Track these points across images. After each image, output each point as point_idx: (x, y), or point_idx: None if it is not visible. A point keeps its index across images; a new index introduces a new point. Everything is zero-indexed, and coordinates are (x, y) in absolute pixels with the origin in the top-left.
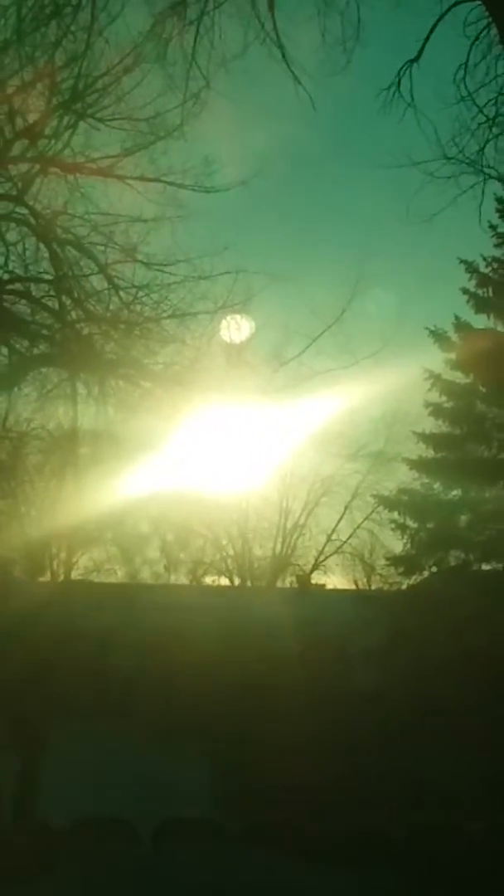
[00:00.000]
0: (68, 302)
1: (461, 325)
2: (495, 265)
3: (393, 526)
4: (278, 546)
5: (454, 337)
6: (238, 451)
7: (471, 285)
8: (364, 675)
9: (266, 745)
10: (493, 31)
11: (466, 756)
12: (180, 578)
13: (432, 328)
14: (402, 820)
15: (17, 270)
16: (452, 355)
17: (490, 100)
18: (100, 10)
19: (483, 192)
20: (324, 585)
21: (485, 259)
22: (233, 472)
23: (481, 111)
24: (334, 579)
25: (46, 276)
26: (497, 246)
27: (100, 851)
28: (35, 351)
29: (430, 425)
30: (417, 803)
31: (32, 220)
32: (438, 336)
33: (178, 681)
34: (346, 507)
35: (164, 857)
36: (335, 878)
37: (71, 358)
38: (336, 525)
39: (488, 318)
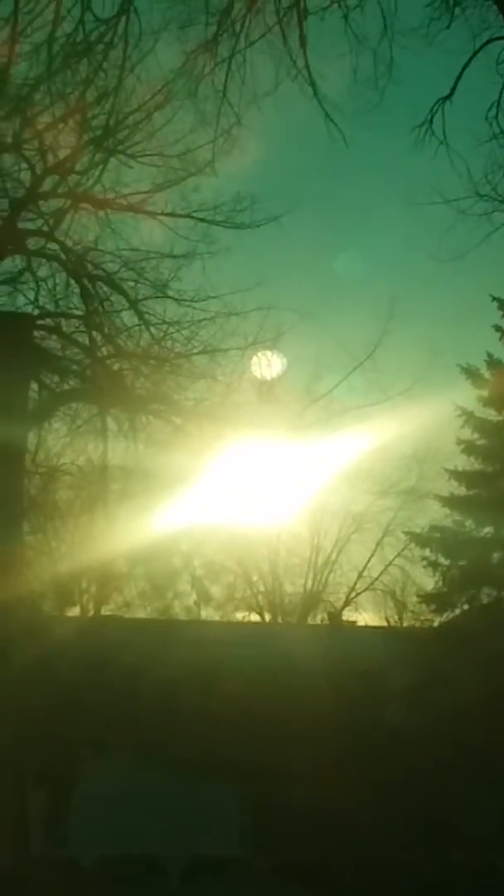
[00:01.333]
0: (99, 337)
1: (493, 363)
2: None
3: (424, 563)
4: (309, 582)
5: (486, 374)
6: (269, 487)
7: (503, 322)
8: (395, 713)
9: (296, 783)
10: None
11: (497, 793)
12: (211, 614)
13: (464, 365)
14: (433, 858)
15: (47, 306)
16: (485, 392)
17: None
18: (132, 47)
19: None
20: (355, 622)
21: None
22: (264, 507)
23: None
24: (365, 616)
25: (77, 312)
26: None
27: (128, 890)
28: (65, 386)
29: (462, 462)
30: (449, 842)
31: (63, 256)
32: (470, 373)
33: (208, 717)
34: (377, 544)
35: (193, 894)
36: None
37: (101, 393)
38: (367, 562)
39: None
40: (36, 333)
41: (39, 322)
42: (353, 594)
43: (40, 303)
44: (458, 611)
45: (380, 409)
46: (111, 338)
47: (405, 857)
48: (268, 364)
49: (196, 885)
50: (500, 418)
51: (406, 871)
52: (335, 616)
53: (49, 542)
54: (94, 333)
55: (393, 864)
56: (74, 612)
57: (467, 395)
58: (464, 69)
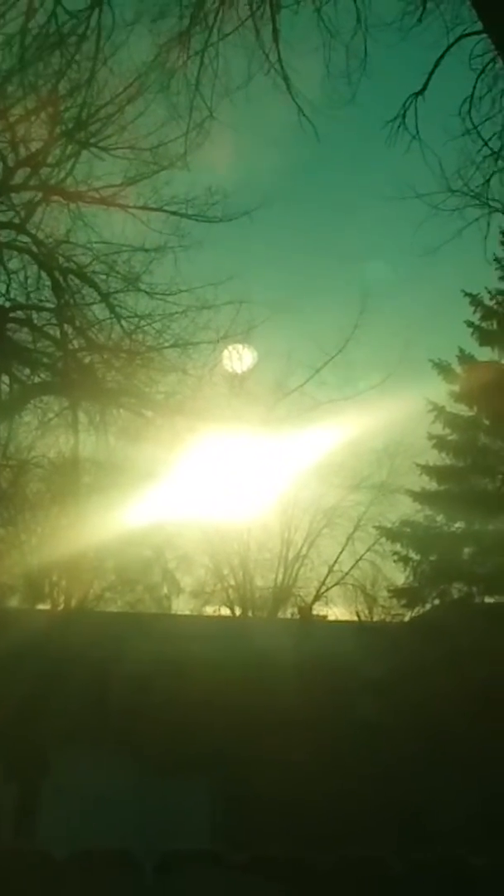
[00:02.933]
0: (70, 330)
1: (465, 358)
2: (500, 298)
3: (395, 558)
4: (280, 576)
5: (458, 369)
6: (240, 481)
7: (475, 318)
8: (365, 707)
9: (267, 776)
10: (499, 63)
11: (468, 788)
12: (181, 608)
13: (436, 360)
14: (403, 852)
15: (18, 298)
16: (456, 387)
17: (495, 133)
18: (104, 39)
19: (488, 225)
20: (325, 617)
21: (489, 292)
22: (234, 501)
23: (486, 144)
24: (336, 611)
25: (48, 305)
26: (502, 279)
27: (102, 883)
28: (36, 379)
29: (434, 457)
30: (419, 835)
31: (35, 249)
32: (442, 368)
33: (178, 711)
34: (348, 539)
35: (166, 889)
36: None
37: (72, 386)
38: (338, 556)
39: (492, 350)
40: (7, 326)
41: (11, 315)
42: (324, 588)
43: (11, 295)
44: (428, 605)
45: (351, 404)
46: (82, 331)
47: (376, 850)
48: (239, 358)
49: (170, 879)
50: (472, 414)
51: (377, 865)
52: (305, 610)
53: (19, 535)
54: (66, 326)
55: (364, 858)
56: (45, 605)
57: (439, 391)
58: (437, 64)
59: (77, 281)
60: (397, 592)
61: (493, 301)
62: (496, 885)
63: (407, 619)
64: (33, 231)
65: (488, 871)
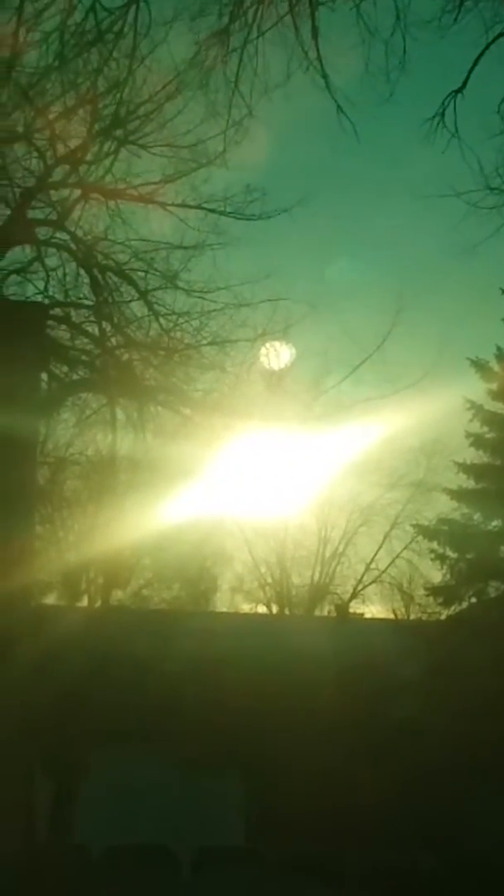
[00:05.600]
0: (108, 328)
1: (502, 356)
2: None
3: (432, 556)
4: (316, 574)
5: (496, 367)
6: (277, 479)
7: None
8: (402, 705)
9: (302, 774)
10: None
11: None
12: (218, 605)
13: (474, 358)
14: (442, 853)
15: (57, 296)
16: (494, 386)
17: None
18: (142, 37)
19: None
20: (362, 614)
21: None
22: (272, 499)
23: None
24: (373, 609)
25: (87, 302)
26: None
27: (139, 878)
28: (74, 376)
29: (471, 455)
30: (457, 836)
31: (73, 246)
32: (480, 366)
33: (215, 708)
34: (385, 537)
35: (202, 884)
36: None
37: (110, 384)
38: (375, 554)
39: None
40: (46, 323)
41: (50, 312)
42: (361, 586)
43: (50, 293)
44: (465, 604)
45: (388, 402)
46: (120, 328)
47: (412, 850)
48: (277, 355)
49: (206, 876)
50: None
51: (413, 866)
52: (342, 608)
53: (57, 532)
54: (104, 324)
55: (400, 858)
56: (82, 602)
57: (476, 389)
58: (476, 62)
59: (115, 278)
60: (434, 590)
61: None
62: None
63: (444, 617)
64: (72, 228)
65: None
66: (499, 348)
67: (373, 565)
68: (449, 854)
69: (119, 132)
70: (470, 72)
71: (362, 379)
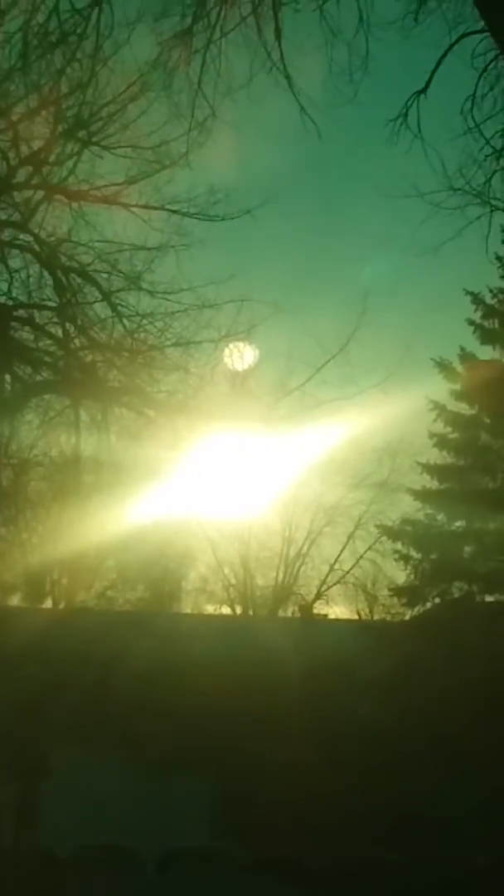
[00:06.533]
0: (72, 329)
1: (466, 356)
2: (501, 296)
3: (396, 556)
4: (280, 575)
5: (459, 368)
6: (241, 480)
7: (476, 316)
8: (367, 706)
9: (268, 775)
10: (501, 62)
11: (470, 787)
12: (182, 607)
13: (437, 359)
14: (406, 851)
15: (20, 297)
16: (457, 386)
17: (497, 131)
18: (105, 38)
19: (490, 224)
20: (326, 615)
21: (491, 290)
22: (236, 500)
23: (488, 143)
24: (336, 609)
25: (50, 304)
26: (503, 277)
27: (104, 879)
28: (38, 378)
29: (435, 456)
30: (421, 835)
31: (36, 247)
32: (443, 367)
33: (180, 709)
34: (348, 537)
35: (167, 885)
36: None
37: (74, 385)
38: (339, 555)
39: (494, 349)
40: (9, 325)
41: (13, 313)
42: (325, 587)
43: (13, 294)
44: (429, 604)
45: (352, 403)
46: (84, 329)
47: (377, 849)
48: (241, 356)
49: (171, 877)
50: (473, 412)
51: (378, 864)
52: (306, 609)
53: (20, 533)
54: (68, 325)
55: (365, 857)
56: (46, 604)
57: (440, 389)
58: (439, 63)
59: (79, 280)
60: (398, 591)
61: (495, 299)
62: (498, 884)
63: (408, 617)
64: (35, 230)
65: (490, 870)
66: (462, 349)
67: (337, 566)
68: (412, 852)
69: (82, 133)
70: (433, 73)
71: (326, 380)
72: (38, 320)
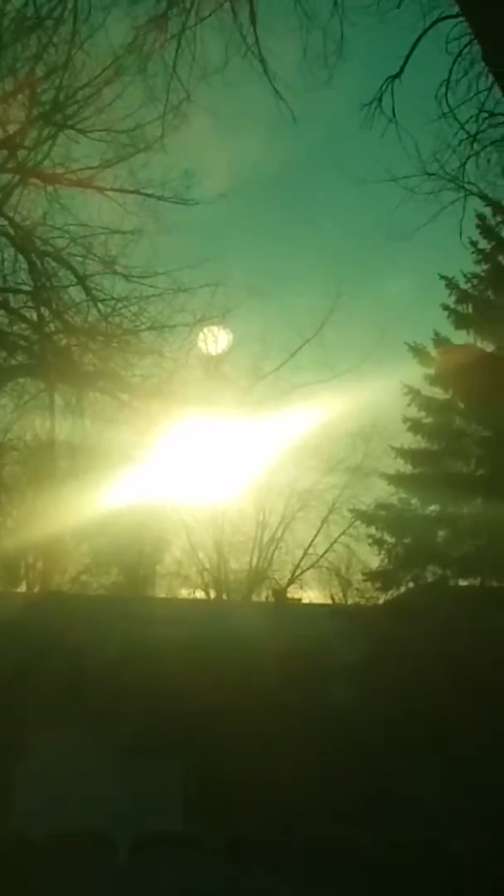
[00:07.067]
0: (46, 313)
1: (440, 341)
2: (475, 281)
3: (370, 541)
4: (254, 559)
5: (433, 352)
6: (215, 464)
7: (451, 301)
8: (340, 689)
9: (243, 759)
10: (476, 47)
11: (444, 769)
12: (156, 591)
13: (412, 343)
14: (379, 834)
15: None
16: (431, 371)
17: (471, 116)
18: (81, 22)
19: (464, 209)
20: (300, 600)
21: (465, 275)
22: (210, 484)
23: (462, 127)
24: (311, 594)
25: (25, 287)
26: (477, 262)
27: (77, 865)
28: (12, 362)
29: (409, 440)
30: (397, 818)
31: (11, 231)
32: (418, 351)
33: (154, 693)
34: (322, 522)
35: (141, 870)
36: (313, 893)
37: (48, 369)
38: (313, 539)
39: (468, 333)
40: None
41: None
42: (299, 572)
43: None
44: (403, 588)
45: (327, 387)
46: (59, 313)
47: (352, 833)
48: (215, 341)
49: (144, 860)
50: (447, 397)
51: (354, 848)
52: (280, 593)
53: None
54: (42, 309)
55: (340, 840)
56: (20, 588)
57: (414, 374)
58: (413, 47)
59: (54, 264)
60: (371, 575)
61: (469, 284)
62: (473, 867)
63: (381, 601)
64: (10, 213)
65: (466, 853)
66: (437, 333)
67: (310, 550)
68: (390, 834)
69: (58, 117)
70: (407, 57)
71: (301, 364)
72: (12, 304)
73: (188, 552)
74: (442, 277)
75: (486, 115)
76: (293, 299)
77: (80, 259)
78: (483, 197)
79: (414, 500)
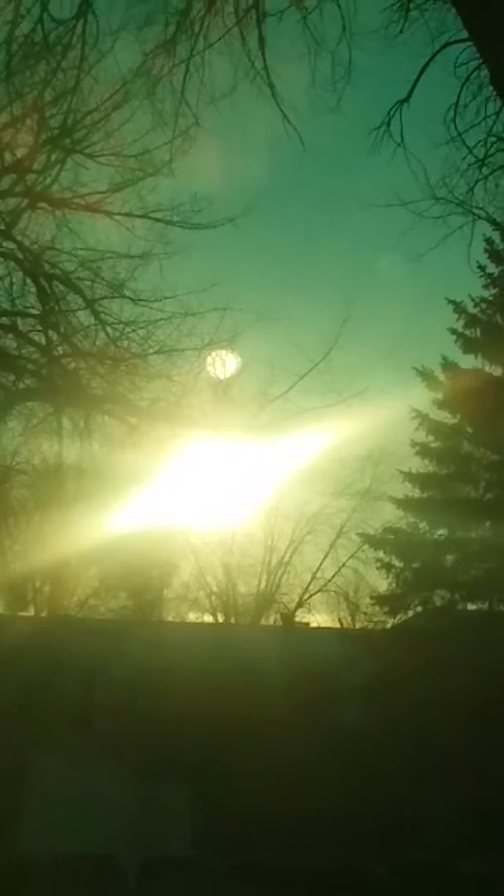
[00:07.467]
0: (55, 337)
1: (448, 365)
2: (483, 306)
3: (378, 565)
4: (263, 583)
5: (441, 377)
6: (223, 488)
7: (459, 325)
8: (348, 713)
9: (251, 782)
10: (484, 71)
11: (452, 793)
12: (164, 615)
13: (420, 368)
14: (387, 858)
15: (3, 304)
16: (439, 395)
17: (480, 140)
18: (90, 47)
19: (472, 233)
20: (308, 623)
21: (473, 299)
22: (218, 508)
23: (471, 152)
24: (319, 617)
25: (33, 311)
26: (485, 286)
27: (85, 890)
28: (21, 385)
29: (417, 465)
30: (405, 843)
31: (20, 255)
32: (426, 375)
33: (162, 717)
34: (331, 546)
35: (149, 895)
36: None
37: (57, 393)
38: (321, 563)
39: (476, 358)
40: None
41: None
42: (307, 595)
43: None
44: (411, 612)
45: (335, 411)
46: (67, 337)
47: (361, 858)
48: (223, 364)
49: (152, 886)
50: (455, 421)
51: (362, 872)
52: (288, 617)
53: (2, 541)
54: (51, 332)
55: (349, 864)
56: (28, 612)
57: (422, 398)
58: (422, 72)
59: (62, 287)
60: (380, 599)
61: (477, 309)
62: (481, 890)
63: (389, 626)
64: (18, 237)
65: (474, 876)
66: (444, 358)
67: (319, 574)
68: (398, 860)
69: (66, 141)
70: (415, 82)
71: (309, 388)
72: (21, 328)
73: (196, 576)
74: (450, 302)
75: (494, 139)
76: (301, 323)
77: (88, 283)
78: (491, 221)
79: (422, 525)
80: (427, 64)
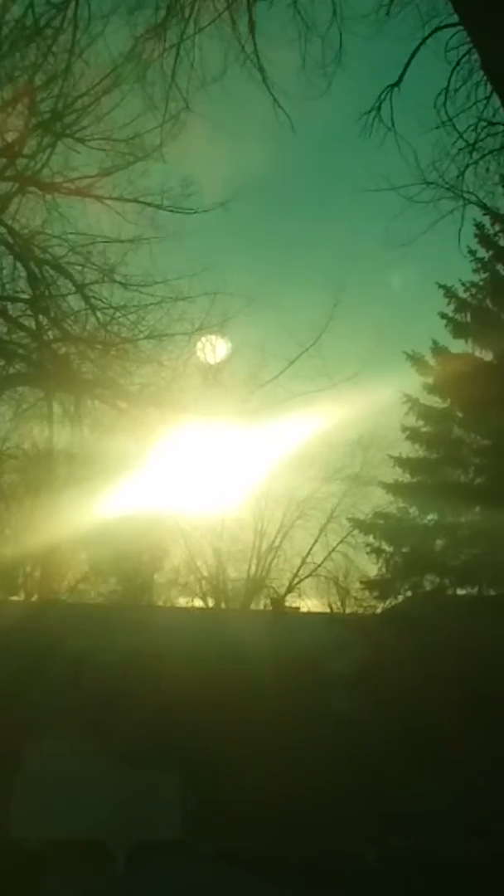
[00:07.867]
0: (45, 321)
1: (439, 350)
2: (474, 290)
3: (368, 549)
4: (253, 568)
5: (432, 361)
6: (214, 473)
7: (449, 310)
8: (338, 698)
9: (240, 767)
10: (475, 56)
11: (441, 779)
12: (154, 599)
13: (410, 352)
14: (377, 843)
15: None
16: (430, 380)
17: (470, 125)
18: (80, 31)
19: (462, 217)
20: (298, 608)
21: (463, 284)
22: (208, 493)
23: (461, 136)
24: (309, 602)
25: (23, 296)
26: (476, 271)
27: (74, 873)
28: (11, 370)
29: (407, 449)
30: (394, 828)
31: (10, 239)
32: (416, 360)
33: (151, 702)
34: (321, 531)
35: (138, 879)
36: None
37: (47, 377)
38: (311, 548)
39: (466, 342)
40: None
41: None
42: (297, 580)
43: None
44: (400, 597)
45: (325, 396)
46: (57, 322)
47: (350, 842)
48: (214, 349)
49: (142, 870)
50: (445, 405)
51: (351, 857)
52: (278, 602)
53: None
54: (41, 317)
55: (338, 850)
56: (18, 597)
57: (412, 382)
58: (412, 56)
59: (52, 272)
60: (370, 584)
61: (467, 293)
62: (470, 875)
63: (379, 610)
64: (9, 222)
65: (463, 862)
66: (435, 342)
67: (309, 559)
68: (387, 844)
69: (57, 126)
70: (406, 66)
71: (299, 373)
72: (11, 312)
73: (187, 560)
74: (440, 286)
75: (484, 123)
76: (292, 308)
77: (78, 267)
78: (482, 206)
79: (412, 509)
80: (417, 48)
